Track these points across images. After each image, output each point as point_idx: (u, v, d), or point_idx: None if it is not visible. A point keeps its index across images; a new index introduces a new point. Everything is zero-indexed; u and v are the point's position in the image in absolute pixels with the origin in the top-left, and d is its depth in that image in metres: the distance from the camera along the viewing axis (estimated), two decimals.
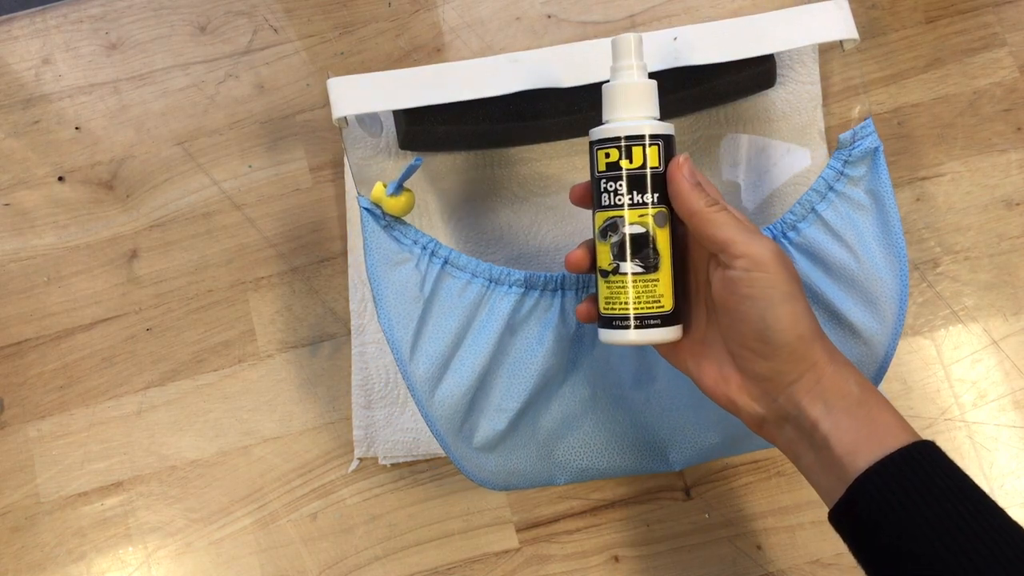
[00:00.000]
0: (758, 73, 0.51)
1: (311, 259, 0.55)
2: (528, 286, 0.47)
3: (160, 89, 0.57)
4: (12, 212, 0.56)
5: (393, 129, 0.54)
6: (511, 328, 0.47)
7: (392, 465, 0.52)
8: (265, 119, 0.57)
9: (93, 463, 0.53)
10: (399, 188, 0.45)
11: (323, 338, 0.54)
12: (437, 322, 0.46)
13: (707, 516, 0.51)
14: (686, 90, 0.51)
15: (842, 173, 0.46)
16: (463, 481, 0.52)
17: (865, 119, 0.46)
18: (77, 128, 0.57)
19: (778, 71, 0.54)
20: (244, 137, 0.56)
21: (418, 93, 0.48)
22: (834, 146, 0.55)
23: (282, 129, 0.56)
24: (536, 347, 0.47)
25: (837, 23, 0.48)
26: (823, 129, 0.54)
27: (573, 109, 0.51)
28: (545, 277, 0.47)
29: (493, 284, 0.47)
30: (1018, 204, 0.54)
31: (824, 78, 0.55)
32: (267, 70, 0.57)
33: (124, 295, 0.55)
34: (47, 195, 0.56)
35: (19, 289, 0.55)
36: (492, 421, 0.47)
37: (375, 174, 0.54)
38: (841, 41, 0.48)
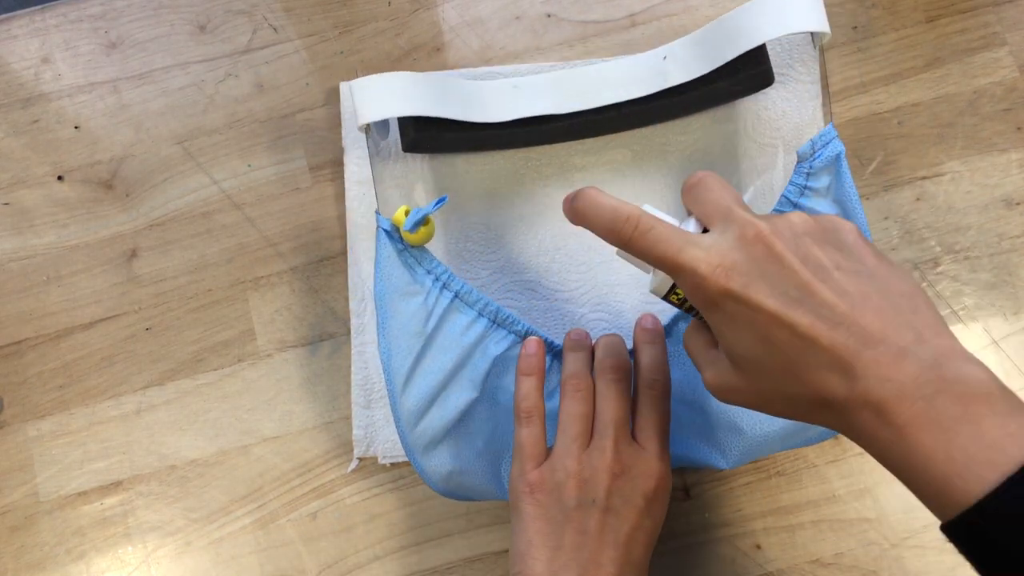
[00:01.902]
0: (755, 74, 0.51)
1: (311, 258, 0.55)
2: (528, 334, 0.48)
3: (159, 88, 0.57)
4: (11, 211, 0.56)
5: (394, 130, 0.54)
6: (499, 370, 0.48)
7: (392, 464, 0.52)
8: (265, 118, 0.57)
9: (92, 462, 0.53)
10: (417, 225, 0.44)
11: (323, 337, 0.54)
12: (435, 357, 0.46)
13: (706, 515, 0.51)
14: (682, 94, 0.51)
15: (806, 187, 0.46)
16: None
17: (827, 125, 0.46)
18: (76, 127, 0.57)
19: (777, 70, 0.54)
20: (244, 136, 0.56)
21: (431, 104, 0.48)
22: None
23: (282, 128, 0.56)
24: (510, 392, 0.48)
25: (808, 14, 0.48)
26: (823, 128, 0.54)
27: (572, 112, 0.51)
28: (548, 339, 0.48)
29: (495, 326, 0.47)
30: (1018, 204, 0.54)
31: (824, 77, 0.55)
32: (267, 69, 0.57)
33: (123, 294, 0.55)
34: (46, 194, 0.56)
35: (18, 288, 0.55)
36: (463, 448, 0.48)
37: (375, 174, 0.53)
38: (812, 35, 0.49)
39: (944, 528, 0.30)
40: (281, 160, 0.56)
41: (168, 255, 0.55)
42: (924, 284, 0.53)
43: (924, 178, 0.54)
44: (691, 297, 0.34)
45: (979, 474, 0.28)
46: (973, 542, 0.30)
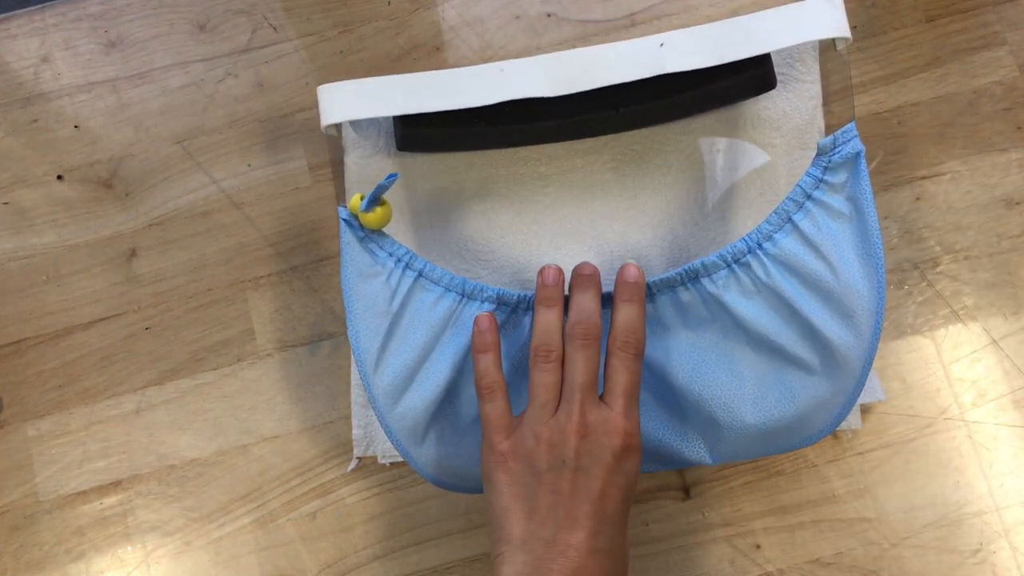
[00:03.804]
0: (756, 76, 0.51)
1: (310, 258, 0.55)
2: (500, 303, 0.47)
3: (159, 88, 0.57)
4: (11, 211, 0.56)
5: (390, 129, 0.54)
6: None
7: (391, 464, 0.52)
8: (264, 118, 0.57)
9: (92, 462, 0.53)
10: (372, 204, 0.45)
11: (322, 337, 0.54)
12: (404, 335, 0.46)
13: (706, 515, 0.51)
14: (682, 93, 0.51)
15: (822, 180, 0.45)
16: None
17: (849, 122, 0.46)
18: (76, 127, 0.57)
19: (778, 70, 0.54)
20: (243, 136, 0.56)
21: (405, 100, 0.48)
22: None
23: (281, 128, 0.56)
24: (503, 364, 0.47)
25: (829, 21, 0.47)
26: (823, 128, 0.54)
27: (569, 112, 0.51)
28: (518, 296, 0.47)
29: (465, 299, 0.47)
30: (1018, 203, 0.54)
31: (824, 77, 0.55)
32: (266, 69, 0.57)
33: (123, 294, 0.55)
34: (46, 194, 0.56)
35: (18, 288, 0.55)
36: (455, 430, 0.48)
37: (375, 174, 0.54)
38: (834, 40, 0.48)
39: None
40: (281, 160, 0.56)
41: (167, 255, 0.55)
42: (924, 284, 0.53)
43: (924, 178, 0.54)
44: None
45: None
46: None
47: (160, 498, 0.52)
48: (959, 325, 0.53)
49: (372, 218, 0.46)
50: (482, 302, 0.47)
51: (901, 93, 0.55)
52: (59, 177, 0.56)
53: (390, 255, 0.47)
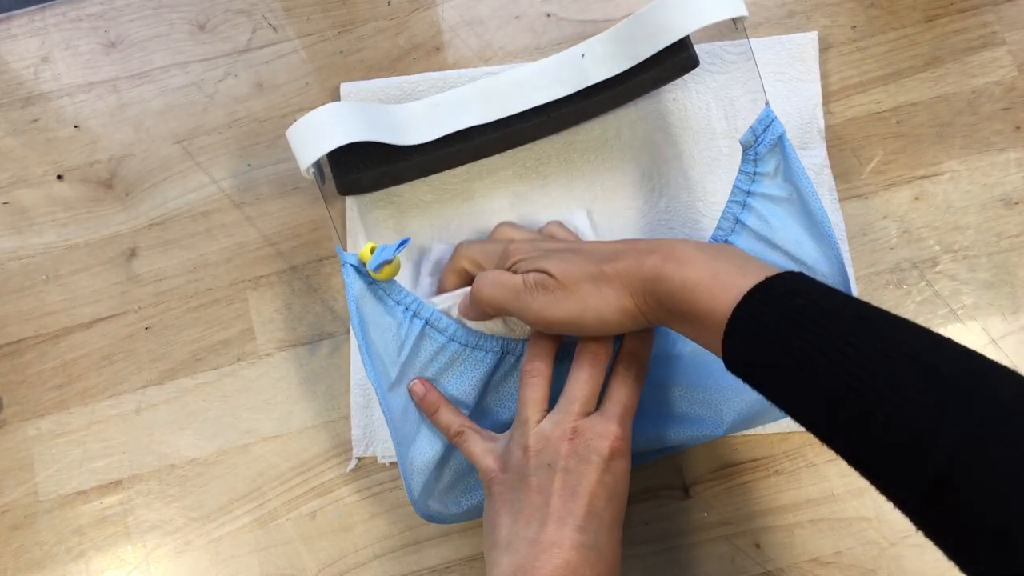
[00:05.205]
0: (678, 60, 0.51)
1: (310, 258, 0.55)
2: (505, 352, 0.48)
3: (159, 87, 0.57)
4: (11, 210, 0.56)
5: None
6: (488, 388, 0.49)
7: (391, 464, 0.52)
8: (264, 117, 0.57)
9: (92, 461, 0.53)
10: (381, 267, 0.45)
11: (322, 337, 0.54)
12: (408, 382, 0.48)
13: (706, 514, 0.51)
14: (612, 88, 0.51)
15: (755, 173, 0.46)
16: None
17: (764, 108, 0.46)
18: (76, 126, 0.57)
19: (777, 70, 0.54)
20: (243, 135, 0.56)
21: (372, 131, 0.48)
22: (828, 142, 0.55)
23: (281, 127, 0.56)
24: (509, 404, 0.49)
25: (725, 1, 0.48)
26: (823, 128, 0.54)
27: (503, 124, 0.51)
28: (523, 345, 0.48)
29: (468, 349, 0.48)
30: (1017, 203, 0.54)
31: (823, 76, 0.55)
32: (266, 69, 0.57)
33: (123, 294, 0.55)
34: (46, 193, 0.56)
35: (18, 287, 0.55)
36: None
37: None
38: (734, 20, 0.48)
39: (725, 360, 0.37)
40: (281, 159, 0.56)
41: (167, 254, 0.55)
42: (923, 283, 0.53)
43: (923, 177, 0.54)
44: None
45: (730, 294, 0.36)
46: (735, 357, 0.36)
47: (160, 498, 0.52)
48: (958, 325, 0.53)
49: (380, 275, 0.46)
50: (486, 352, 0.48)
51: (900, 93, 0.55)
52: (59, 177, 0.56)
53: (398, 303, 0.48)
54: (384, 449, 0.52)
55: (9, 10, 0.58)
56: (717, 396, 0.47)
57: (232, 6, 0.58)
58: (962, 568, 0.30)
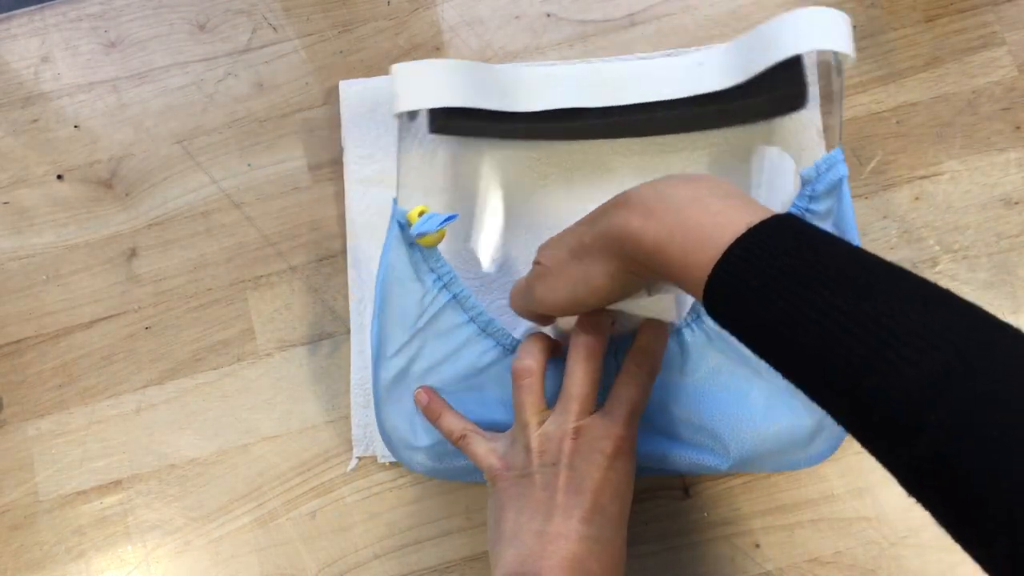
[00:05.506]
0: (790, 95, 0.50)
1: (310, 258, 0.55)
2: (513, 350, 0.48)
3: (159, 87, 0.57)
4: (11, 210, 0.56)
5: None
6: (481, 380, 0.49)
7: (391, 463, 0.52)
8: (264, 117, 0.57)
9: (92, 461, 0.53)
10: (424, 235, 0.45)
11: (322, 337, 0.54)
12: (420, 348, 0.48)
13: (706, 514, 0.51)
14: (722, 103, 0.50)
15: (807, 210, 0.45)
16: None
17: (836, 148, 0.45)
18: (76, 126, 0.57)
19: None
20: (243, 135, 0.56)
21: (481, 96, 0.48)
22: (833, 145, 0.55)
23: (281, 127, 0.56)
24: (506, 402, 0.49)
25: (836, 35, 0.47)
26: (821, 128, 0.54)
27: (609, 112, 0.50)
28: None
29: (482, 334, 0.48)
30: (1017, 203, 0.54)
31: (822, 77, 0.55)
32: (266, 68, 0.57)
33: (123, 294, 0.55)
34: (46, 193, 0.56)
35: (18, 287, 0.55)
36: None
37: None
38: (835, 54, 0.48)
39: (705, 305, 0.34)
40: (281, 159, 0.56)
41: (168, 254, 0.55)
42: None
43: (923, 177, 0.54)
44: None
45: (715, 242, 0.33)
46: (717, 305, 0.34)
47: (160, 497, 0.52)
48: None
49: (424, 240, 0.46)
50: (497, 343, 0.48)
51: (900, 93, 0.55)
52: (59, 177, 0.56)
53: (432, 271, 0.47)
54: (384, 449, 0.52)
55: (9, 10, 0.58)
56: (722, 427, 0.47)
57: (232, 6, 0.58)
58: (958, 538, 0.29)
